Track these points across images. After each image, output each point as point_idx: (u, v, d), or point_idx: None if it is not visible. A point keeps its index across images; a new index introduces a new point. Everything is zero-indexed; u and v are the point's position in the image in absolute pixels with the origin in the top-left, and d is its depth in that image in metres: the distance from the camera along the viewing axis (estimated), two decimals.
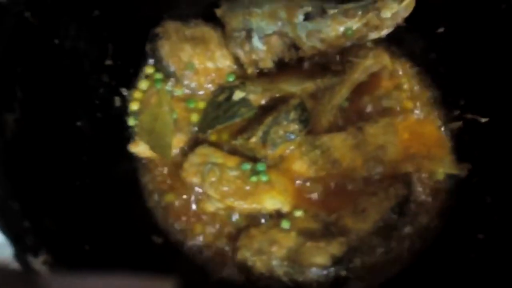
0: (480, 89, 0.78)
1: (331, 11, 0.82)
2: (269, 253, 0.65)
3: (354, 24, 0.81)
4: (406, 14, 0.81)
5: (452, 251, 0.69)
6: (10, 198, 0.48)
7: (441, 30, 0.83)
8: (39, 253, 0.46)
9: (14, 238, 0.47)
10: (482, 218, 0.69)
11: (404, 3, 0.80)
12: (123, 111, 0.77)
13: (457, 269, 0.66)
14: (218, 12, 0.82)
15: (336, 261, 0.64)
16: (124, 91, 0.79)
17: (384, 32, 0.84)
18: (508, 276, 0.60)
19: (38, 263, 0.46)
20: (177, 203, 0.73)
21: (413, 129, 0.80)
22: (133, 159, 0.76)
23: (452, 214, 0.73)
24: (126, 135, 0.76)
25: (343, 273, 0.64)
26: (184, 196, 0.73)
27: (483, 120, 0.77)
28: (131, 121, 0.77)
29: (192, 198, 0.73)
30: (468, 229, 0.69)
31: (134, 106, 0.78)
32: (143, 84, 0.80)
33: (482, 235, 0.67)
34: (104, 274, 0.44)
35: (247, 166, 0.72)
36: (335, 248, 0.65)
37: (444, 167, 0.77)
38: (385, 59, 0.81)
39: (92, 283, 0.46)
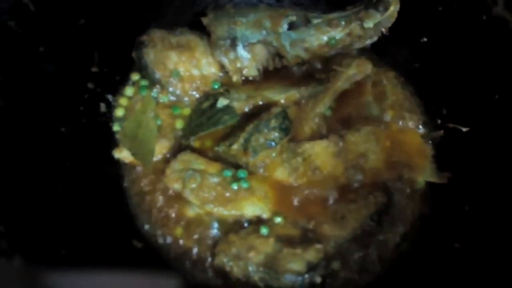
0: (462, 98, 0.79)
1: (315, 21, 0.83)
2: (246, 259, 0.66)
3: (338, 33, 0.83)
4: (388, 24, 0.83)
5: (428, 259, 0.70)
6: None
7: (424, 40, 0.84)
8: (13, 257, 0.47)
9: None
10: (459, 227, 0.70)
11: (387, 14, 0.81)
12: (109, 117, 0.79)
13: (432, 277, 0.67)
14: (204, 20, 0.84)
15: (311, 268, 0.64)
16: (110, 98, 0.80)
17: (368, 42, 0.86)
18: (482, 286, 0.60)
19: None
20: (158, 208, 0.74)
21: (395, 137, 0.81)
22: (117, 164, 0.77)
23: (431, 222, 0.74)
24: (111, 141, 0.78)
25: (318, 279, 0.65)
26: (166, 202, 0.74)
27: (464, 129, 0.78)
28: (116, 127, 0.79)
29: (174, 203, 0.74)
30: (446, 237, 0.70)
31: (119, 113, 0.80)
32: (129, 91, 0.82)
33: (459, 244, 0.68)
34: (108, 271, 0.45)
35: (229, 173, 0.73)
36: (312, 255, 0.65)
37: (424, 175, 0.78)
38: (368, 68, 0.82)
39: (97, 280, 0.48)
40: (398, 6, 0.82)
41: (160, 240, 0.72)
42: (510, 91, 0.72)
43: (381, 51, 0.88)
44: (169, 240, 0.72)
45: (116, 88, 0.81)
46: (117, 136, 0.77)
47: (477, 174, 0.73)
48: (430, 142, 0.81)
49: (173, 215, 0.73)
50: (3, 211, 0.50)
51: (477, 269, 0.63)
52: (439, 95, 0.83)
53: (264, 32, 0.83)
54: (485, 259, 0.63)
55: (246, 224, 0.72)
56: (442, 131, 0.81)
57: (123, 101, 0.80)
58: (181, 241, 0.72)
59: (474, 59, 0.77)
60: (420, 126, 0.82)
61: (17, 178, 0.57)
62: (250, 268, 0.65)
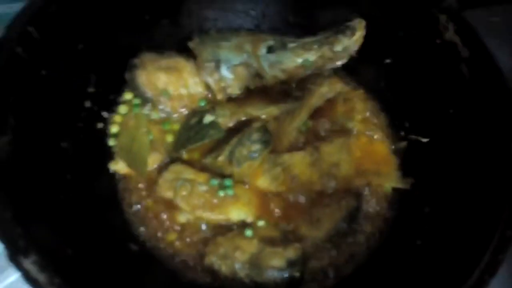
0: (422, 113, 0.88)
1: (291, 45, 0.92)
2: (233, 258, 0.73)
3: (311, 56, 0.92)
4: (355, 48, 0.93)
5: (394, 254, 0.78)
6: (5, 208, 0.56)
7: (388, 61, 0.94)
8: (29, 255, 0.54)
9: (8, 242, 0.54)
10: (420, 226, 0.79)
11: (353, 39, 0.91)
12: (104, 133, 0.86)
13: (398, 270, 0.75)
14: (191, 44, 0.92)
15: (291, 264, 0.72)
16: (105, 115, 0.87)
17: (339, 63, 0.95)
18: (441, 276, 0.68)
19: (28, 263, 0.54)
20: (152, 215, 0.81)
21: (365, 148, 0.90)
22: (113, 176, 0.84)
23: (396, 223, 0.82)
24: (107, 155, 0.84)
25: (297, 274, 0.72)
26: (159, 209, 0.81)
27: (424, 140, 0.87)
28: (111, 142, 0.85)
29: (166, 210, 0.81)
30: (409, 235, 0.78)
31: (114, 129, 0.86)
32: (122, 109, 0.89)
33: (420, 241, 0.76)
34: None
35: (215, 182, 0.81)
36: (291, 252, 0.73)
37: (390, 181, 0.87)
38: (339, 86, 0.92)
39: None
40: (363, 31, 0.92)
41: (155, 244, 0.79)
42: (462, 105, 0.81)
43: (350, 71, 0.97)
44: (162, 243, 0.79)
45: (111, 106, 0.89)
46: (114, 149, 0.83)
47: (436, 180, 0.81)
48: (395, 152, 0.90)
49: (166, 221, 0.80)
50: (20, 216, 0.57)
51: (436, 261, 0.71)
52: (402, 110, 0.92)
53: (245, 55, 0.91)
54: (443, 253, 0.71)
55: (232, 228, 0.80)
56: (405, 142, 0.90)
57: (117, 118, 0.88)
58: (174, 244, 0.78)
59: (431, 77, 0.86)
60: (386, 138, 0.91)
61: (27, 187, 0.63)
62: (237, 266, 0.72)
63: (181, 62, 0.91)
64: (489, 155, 0.73)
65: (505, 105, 0.73)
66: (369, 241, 0.81)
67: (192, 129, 0.87)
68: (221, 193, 0.80)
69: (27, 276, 0.53)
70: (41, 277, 0.53)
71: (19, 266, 0.53)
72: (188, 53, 0.92)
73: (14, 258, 0.53)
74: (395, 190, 0.86)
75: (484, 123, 0.77)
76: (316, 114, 0.91)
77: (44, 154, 0.71)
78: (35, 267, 0.53)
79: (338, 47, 0.91)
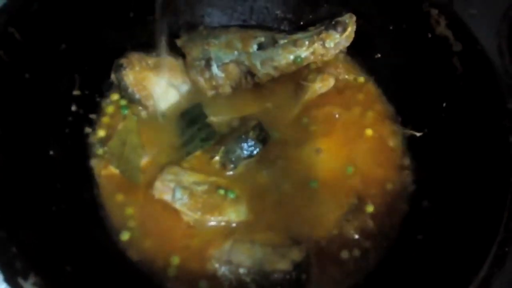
0: (414, 107, 0.89)
1: (281, 41, 0.90)
2: (236, 263, 0.71)
3: (303, 52, 0.90)
4: (347, 44, 0.92)
5: (395, 250, 0.78)
6: None
7: (378, 56, 0.93)
8: (29, 276, 0.50)
9: (3, 264, 0.50)
10: (420, 220, 0.79)
11: (345, 35, 0.90)
12: (92, 138, 0.81)
13: (400, 266, 0.75)
14: (179, 42, 0.89)
15: (296, 266, 0.71)
16: (92, 119, 0.83)
17: (326, 59, 0.94)
18: (448, 271, 0.68)
19: (28, 285, 0.50)
20: (149, 219, 0.77)
21: (361, 142, 0.88)
22: (104, 182, 0.79)
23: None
24: (97, 161, 0.80)
25: (303, 276, 0.71)
26: (155, 213, 0.77)
27: (418, 134, 0.87)
28: (100, 148, 0.81)
29: (164, 213, 0.77)
30: (409, 230, 0.79)
31: (101, 133, 0.82)
32: (109, 111, 0.85)
33: (421, 236, 0.76)
34: None
35: (221, 191, 0.77)
36: (295, 254, 0.71)
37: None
38: (331, 82, 0.91)
39: None
40: (354, 27, 0.91)
41: (154, 250, 0.75)
42: (455, 99, 0.82)
43: None
44: (161, 249, 0.75)
45: (97, 109, 0.84)
46: (105, 156, 0.79)
47: (433, 173, 0.82)
48: (390, 146, 0.90)
49: (163, 225, 0.76)
50: (14, 234, 0.53)
51: (440, 256, 0.70)
52: (394, 105, 0.92)
53: (236, 52, 0.89)
54: (447, 248, 0.71)
55: (233, 230, 0.77)
56: (399, 136, 0.90)
57: (105, 120, 0.84)
58: (174, 248, 0.75)
59: (422, 72, 0.86)
60: (381, 132, 0.90)
61: (18, 202, 0.59)
62: (241, 271, 0.70)
63: (169, 60, 0.88)
64: (485, 147, 0.74)
65: (497, 97, 0.74)
66: (370, 238, 0.80)
67: (185, 133, 0.84)
68: (221, 192, 0.77)
69: None
70: None
71: None
72: (176, 51, 0.89)
73: (12, 280, 0.49)
74: None
75: (478, 115, 0.77)
76: (311, 108, 0.89)
77: (33, 164, 0.66)
78: None
79: (330, 44, 0.90)
